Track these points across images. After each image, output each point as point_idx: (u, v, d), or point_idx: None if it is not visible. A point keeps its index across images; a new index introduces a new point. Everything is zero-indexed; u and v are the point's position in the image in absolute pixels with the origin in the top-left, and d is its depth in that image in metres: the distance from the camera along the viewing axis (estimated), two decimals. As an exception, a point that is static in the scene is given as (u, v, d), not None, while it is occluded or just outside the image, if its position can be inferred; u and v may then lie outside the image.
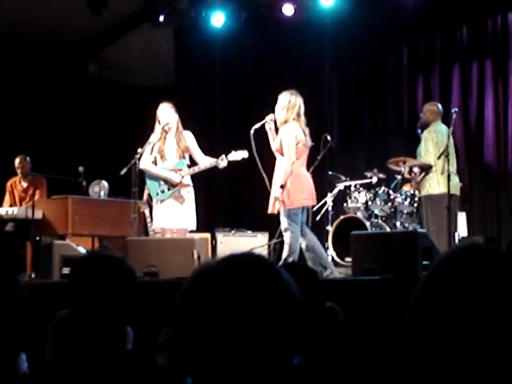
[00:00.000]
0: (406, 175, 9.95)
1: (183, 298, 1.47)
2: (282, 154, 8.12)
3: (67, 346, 2.85)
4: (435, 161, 9.20)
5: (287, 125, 8.10)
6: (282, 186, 8.00)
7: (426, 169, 9.40)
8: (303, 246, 8.18)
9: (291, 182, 8.02)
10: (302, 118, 8.17)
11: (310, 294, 3.62)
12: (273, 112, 8.33)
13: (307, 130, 8.22)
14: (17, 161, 10.69)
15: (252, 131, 8.34)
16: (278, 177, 8.10)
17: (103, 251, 9.25)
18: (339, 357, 3.33)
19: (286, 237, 8.07)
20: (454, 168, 9.35)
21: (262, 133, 8.45)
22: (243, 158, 8.56)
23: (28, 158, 10.70)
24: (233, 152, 8.54)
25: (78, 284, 2.60)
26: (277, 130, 8.30)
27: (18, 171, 10.67)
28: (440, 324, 1.31)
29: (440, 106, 9.68)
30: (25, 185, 10.54)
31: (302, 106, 8.17)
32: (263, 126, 8.39)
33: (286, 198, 8.02)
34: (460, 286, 1.32)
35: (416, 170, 9.73)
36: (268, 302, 1.41)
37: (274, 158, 8.30)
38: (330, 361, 3.25)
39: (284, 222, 8.09)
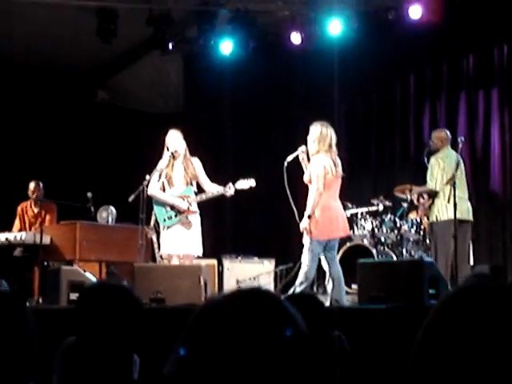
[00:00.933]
0: (415, 202, 9.98)
1: (190, 331, 1.49)
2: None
3: (74, 374, 2.87)
4: (442, 187, 9.21)
5: (317, 155, 8.20)
6: (309, 216, 8.08)
7: (433, 195, 9.41)
8: (327, 273, 8.27)
9: (320, 214, 8.10)
10: (334, 148, 8.26)
11: (316, 323, 3.66)
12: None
13: (339, 161, 8.29)
14: (31, 186, 10.73)
15: (285, 164, 8.38)
16: (308, 207, 8.19)
17: (110, 280, 9.32)
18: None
19: (304, 263, 8.16)
20: (464, 194, 9.36)
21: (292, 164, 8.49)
22: (251, 187, 8.60)
23: (41, 184, 10.76)
24: (240, 180, 8.58)
25: (85, 312, 2.63)
26: (309, 161, 8.39)
27: (31, 196, 10.72)
28: (446, 361, 1.33)
29: (448, 132, 9.70)
30: (36, 210, 10.59)
31: (333, 136, 8.27)
32: (296, 158, 8.45)
33: (313, 228, 8.09)
34: (466, 325, 1.33)
35: (425, 196, 9.76)
36: (275, 338, 1.44)
37: (303, 190, 8.38)
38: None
39: (305, 250, 8.16)
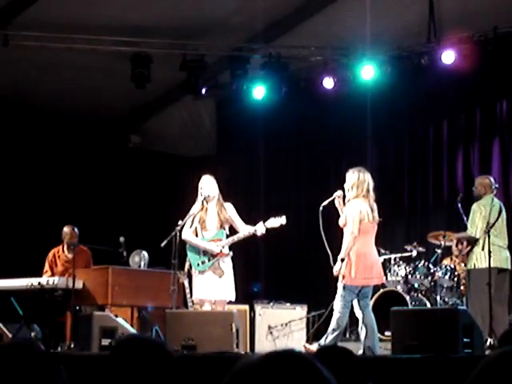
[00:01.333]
0: (454, 248, 9.90)
1: None
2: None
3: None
4: (482, 234, 9.12)
5: (354, 200, 8.20)
6: (343, 260, 8.07)
7: (472, 242, 9.33)
8: (360, 321, 8.21)
9: (355, 260, 8.09)
10: (371, 193, 8.28)
11: (350, 376, 3.61)
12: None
13: (375, 206, 8.30)
14: (66, 230, 10.75)
15: (321, 208, 8.40)
16: (341, 251, 8.19)
17: (143, 328, 9.32)
18: None
19: (336, 310, 8.14)
20: (504, 242, 9.28)
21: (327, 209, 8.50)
22: (281, 225, 8.57)
23: (76, 229, 10.78)
24: (271, 219, 8.57)
25: (118, 365, 2.62)
26: (345, 205, 8.39)
27: (66, 241, 10.70)
28: None
29: (492, 179, 9.63)
30: (70, 255, 10.54)
31: (370, 182, 8.30)
32: (332, 202, 8.45)
33: (346, 273, 8.07)
34: None
35: (464, 243, 9.69)
36: None
37: (337, 235, 8.37)
38: None
39: (338, 296, 8.14)
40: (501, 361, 1.40)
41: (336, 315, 8.12)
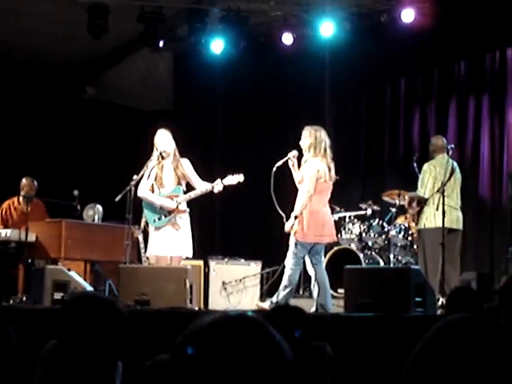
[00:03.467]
0: (407, 207, 9.97)
1: (173, 357, 1.45)
2: None
3: (55, 379, 2.86)
4: (432, 194, 9.19)
5: (312, 159, 8.19)
6: (296, 217, 8.08)
7: (422, 202, 9.39)
8: (313, 278, 8.25)
9: (308, 217, 8.11)
10: (328, 152, 8.27)
11: (301, 334, 3.63)
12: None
13: (333, 165, 8.30)
14: (24, 182, 10.55)
15: (274, 169, 8.37)
16: (296, 208, 8.19)
17: (94, 292, 9.28)
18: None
19: (287, 267, 8.18)
20: (455, 203, 9.35)
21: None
22: (238, 182, 8.54)
23: (35, 182, 10.60)
24: (229, 176, 8.53)
25: (69, 320, 2.62)
26: (299, 167, 8.36)
27: (22, 193, 10.49)
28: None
29: (445, 140, 9.69)
30: (25, 208, 10.34)
31: (327, 141, 8.30)
32: (286, 163, 8.42)
33: (299, 229, 8.10)
34: (452, 359, 1.38)
35: (415, 202, 9.75)
36: (261, 366, 1.40)
37: (292, 194, 8.37)
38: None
39: (290, 253, 8.17)
40: (448, 331, 1.42)
41: (287, 272, 8.16)
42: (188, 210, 8.64)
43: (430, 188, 9.26)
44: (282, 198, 8.49)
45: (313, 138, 8.25)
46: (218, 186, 8.48)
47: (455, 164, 9.54)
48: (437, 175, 9.26)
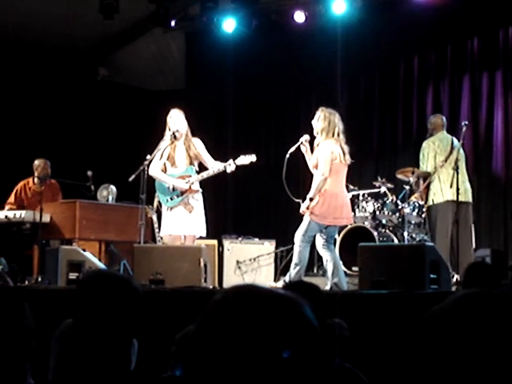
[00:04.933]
0: (414, 186, 9.94)
1: (198, 330, 1.45)
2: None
3: (71, 357, 2.88)
4: (436, 168, 9.18)
5: (325, 141, 8.14)
6: (311, 199, 8.05)
7: (426, 178, 9.38)
8: (324, 258, 8.23)
9: (324, 199, 8.07)
10: (341, 136, 8.21)
11: (315, 311, 3.62)
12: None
13: (347, 148, 8.24)
14: (38, 163, 10.57)
15: (287, 155, 8.33)
16: (311, 191, 8.16)
17: (111, 261, 9.30)
18: (346, 378, 3.33)
19: (296, 244, 8.12)
20: (462, 176, 9.34)
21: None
22: (251, 162, 8.52)
23: (49, 163, 10.64)
24: (241, 156, 8.50)
25: (84, 299, 2.62)
26: (312, 150, 8.32)
27: (37, 174, 10.51)
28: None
29: (444, 118, 9.68)
30: (39, 188, 10.35)
31: (340, 125, 8.23)
32: (298, 148, 8.39)
33: (316, 210, 8.05)
34: (468, 330, 1.42)
35: (420, 180, 9.74)
36: (290, 332, 1.41)
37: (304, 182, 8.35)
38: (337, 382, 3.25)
39: (302, 228, 8.12)
40: (464, 303, 1.44)
41: (296, 249, 8.11)
42: (201, 190, 8.63)
43: (431, 162, 9.25)
44: (296, 184, 8.46)
45: (326, 121, 8.20)
46: (230, 166, 8.45)
47: (456, 141, 9.45)
48: (436, 149, 9.26)
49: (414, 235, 10.27)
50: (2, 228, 9.73)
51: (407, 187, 10.32)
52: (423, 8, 11.27)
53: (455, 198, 8.76)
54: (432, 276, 6.70)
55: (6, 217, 9.73)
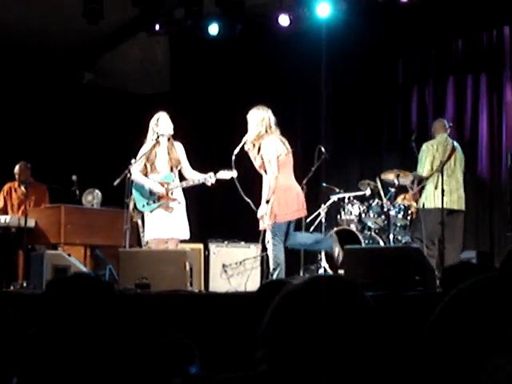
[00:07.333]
0: (410, 185, 10.00)
1: (272, 319, 1.60)
2: (265, 171, 8.13)
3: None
4: (432, 173, 9.21)
5: (264, 140, 8.11)
6: (268, 202, 8.04)
7: (423, 181, 9.43)
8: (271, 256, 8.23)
9: (275, 197, 8.04)
10: (274, 127, 8.19)
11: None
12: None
13: (284, 139, 8.22)
14: (18, 168, 10.59)
15: (233, 157, 8.29)
16: (264, 193, 8.13)
17: (96, 264, 9.22)
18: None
19: (269, 250, 8.13)
20: (457, 183, 9.37)
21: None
22: (232, 178, 8.49)
23: (29, 165, 10.62)
24: (221, 171, 8.47)
25: (55, 305, 2.54)
26: (254, 146, 8.28)
27: (18, 178, 10.55)
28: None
29: (446, 122, 9.76)
30: (24, 191, 10.35)
31: (271, 117, 8.20)
32: (242, 148, 8.34)
33: (276, 210, 8.04)
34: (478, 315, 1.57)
35: (415, 182, 9.80)
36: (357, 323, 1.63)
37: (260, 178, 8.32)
38: None
39: (268, 235, 8.13)
40: (470, 290, 1.53)
41: (271, 255, 8.11)
42: (178, 198, 8.57)
43: (428, 167, 9.28)
44: (249, 182, 8.45)
45: (257, 117, 8.18)
46: (210, 179, 8.46)
47: (456, 143, 9.54)
48: (435, 153, 9.30)
49: (399, 237, 10.29)
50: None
51: (392, 189, 10.34)
52: (407, 11, 11.29)
53: (447, 206, 8.82)
54: (417, 278, 6.71)
55: (-9, 221, 9.70)
